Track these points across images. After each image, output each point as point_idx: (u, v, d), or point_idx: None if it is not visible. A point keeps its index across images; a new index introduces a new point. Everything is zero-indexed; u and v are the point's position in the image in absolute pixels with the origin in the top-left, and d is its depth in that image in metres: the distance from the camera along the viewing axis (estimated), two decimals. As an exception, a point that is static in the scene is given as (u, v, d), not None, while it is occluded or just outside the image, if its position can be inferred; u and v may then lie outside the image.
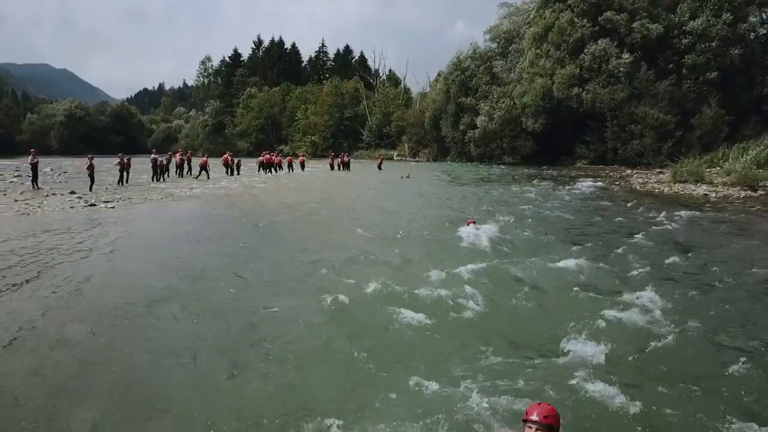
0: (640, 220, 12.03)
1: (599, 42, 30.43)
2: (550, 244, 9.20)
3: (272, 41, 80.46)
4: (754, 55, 30.36)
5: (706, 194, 16.25)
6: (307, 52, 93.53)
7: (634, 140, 29.37)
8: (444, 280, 6.63)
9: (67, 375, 4.21)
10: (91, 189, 16.74)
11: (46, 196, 15.19)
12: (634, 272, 7.20)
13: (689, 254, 8.31)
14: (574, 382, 3.96)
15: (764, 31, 30.60)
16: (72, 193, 15.88)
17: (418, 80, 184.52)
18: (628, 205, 14.46)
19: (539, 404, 2.92)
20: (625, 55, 29.74)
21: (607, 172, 26.27)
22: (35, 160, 17.43)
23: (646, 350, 4.60)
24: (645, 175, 22.83)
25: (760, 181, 16.73)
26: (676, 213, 12.55)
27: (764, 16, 30.30)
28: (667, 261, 7.83)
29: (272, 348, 4.75)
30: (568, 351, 4.52)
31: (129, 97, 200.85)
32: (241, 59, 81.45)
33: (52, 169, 26.19)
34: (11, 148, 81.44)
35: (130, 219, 11.58)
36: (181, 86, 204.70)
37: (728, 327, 5.19)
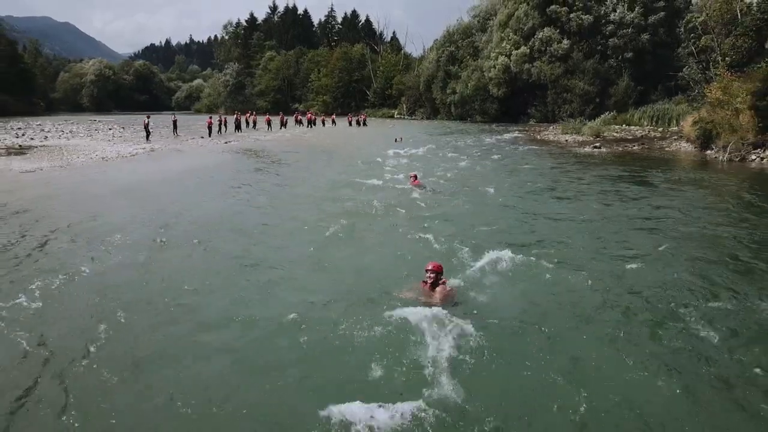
0: (503, 148, 24.94)
1: (545, 30, 42.51)
2: (438, 156, 22.16)
3: (287, 7, 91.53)
4: (661, 39, 42.28)
5: (567, 140, 29.12)
6: (316, 15, 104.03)
7: (566, 105, 41.91)
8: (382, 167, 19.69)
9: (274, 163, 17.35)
10: (210, 135, 29.98)
11: (192, 139, 28.31)
12: (472, 167, 20.16)
13: (497, 159, 21.28)
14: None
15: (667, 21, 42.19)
16: (202, 137, 29.06)
17: (416, 48, 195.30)
18: (506, 141, 27.46)
19: (432, 262, 5.84)
20: (564, 42, 41.89)
21: (537, 128, 38.93)
22: (175, 118, 30.73)
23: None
24: (558, 130, 35.51)
25: (602, 132, 29.70)
26: (530, 147, 25.47)
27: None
28: (494, 166, 20.82)
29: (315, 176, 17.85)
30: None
31: (137, 52, 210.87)
32: (257, 23, 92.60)
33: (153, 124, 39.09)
34: (48, 106, 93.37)
35: (250, 146, 24.75)
36: (188, 42, 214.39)
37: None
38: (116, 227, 8.93)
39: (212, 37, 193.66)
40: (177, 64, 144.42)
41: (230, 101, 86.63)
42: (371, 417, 3.53)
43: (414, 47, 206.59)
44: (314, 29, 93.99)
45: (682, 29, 39.63)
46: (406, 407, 3.64)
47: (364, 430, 3.46)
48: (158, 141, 26.48)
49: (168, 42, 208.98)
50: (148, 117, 28.10)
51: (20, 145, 22.14)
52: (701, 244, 8.13)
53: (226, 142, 26.39)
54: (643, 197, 12.32)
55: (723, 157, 19.16)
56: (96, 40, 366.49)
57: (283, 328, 5.12)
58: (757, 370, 4.28)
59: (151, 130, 27.47)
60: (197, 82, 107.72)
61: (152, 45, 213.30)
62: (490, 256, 6.88)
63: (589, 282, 6.26)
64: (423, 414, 3.63)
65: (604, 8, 42.32)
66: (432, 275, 5.72)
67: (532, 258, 7.03)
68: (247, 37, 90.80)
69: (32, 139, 25.37)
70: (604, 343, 4.79)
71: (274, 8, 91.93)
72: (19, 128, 32.22)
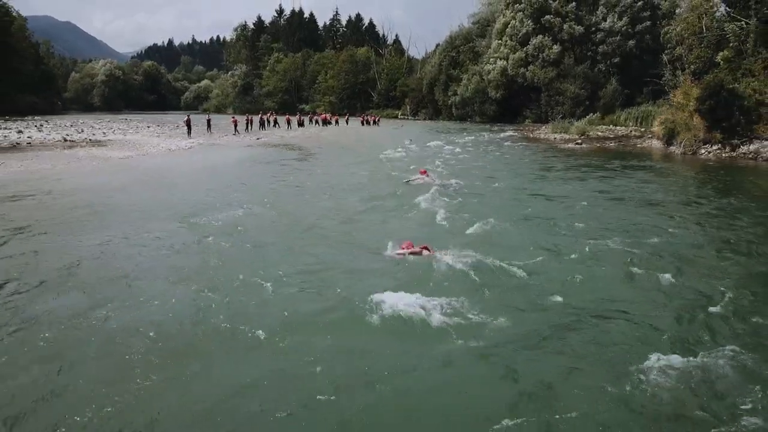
0: (498, 145, 29.16)
1: (538, 37, 46.87)
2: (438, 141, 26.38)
3: (293, 11, 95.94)
4: (647, 45, 46.62)
5: (554, 138, 33.41)
6: (319, 17, 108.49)
7: (558, 106, 46.24)
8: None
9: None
10: (236, 132, 34.21)
11: (225, 136, 32.49)
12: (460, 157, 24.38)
13: (492, 153, 25.51)
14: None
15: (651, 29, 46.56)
16: (233, 134, 33.27)
17: (419, 50, 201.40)
18: (501, 139, 31.73)
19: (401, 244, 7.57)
20: (555, 47, 46.23)
21: (531, 128, 43.26)
22: (209, 117, 34.97)
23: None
24: (548, 129, 39.76)
25: (587, 131, 34.01)
26: (522, 144, 29.73)
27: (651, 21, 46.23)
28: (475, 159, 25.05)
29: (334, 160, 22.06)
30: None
31: (139, 52, 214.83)
32: (264, 26, 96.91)
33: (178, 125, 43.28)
34: (63, 106, 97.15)
35: (279, 142, 28.97)
36: (191, 42, 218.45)
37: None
38: (229, 189, 13.14)
39: (215, 38, 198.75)
40: (183, 64, 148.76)
41: (238, 102, 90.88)
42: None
43: (417, 50, 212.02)
44: (319, 32, 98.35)
45: (661, 38, 44.07)
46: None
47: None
48: (198, 137, 30.70)
49: (171, 42, 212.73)
50: (188, 116, 32.40)
51: (90, 140, 26.33)
52: (635, 204, 12.38)
53: (257, 138, 30.64)
54: (603, 177, 16.60)
55: (679, 151, 23.49)
56: (97, 40, 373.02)
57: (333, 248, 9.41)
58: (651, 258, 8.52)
59: (192, 127, 31.75)
60: (205, 82, 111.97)
61: (155, 45, 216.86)
62: (482, 223, 11.10)
63: (558, 235, 10.44)
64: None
65: (594, 17, 46.71)
66: (409, 250, 7.59)
67: (517, 219, 11.28)
68: (255, 39, 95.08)
69: (94, 135, 29.56)
70: (574, 260, 8.94)
71: (280, 11, 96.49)
72: (71, 126, 36.46)
